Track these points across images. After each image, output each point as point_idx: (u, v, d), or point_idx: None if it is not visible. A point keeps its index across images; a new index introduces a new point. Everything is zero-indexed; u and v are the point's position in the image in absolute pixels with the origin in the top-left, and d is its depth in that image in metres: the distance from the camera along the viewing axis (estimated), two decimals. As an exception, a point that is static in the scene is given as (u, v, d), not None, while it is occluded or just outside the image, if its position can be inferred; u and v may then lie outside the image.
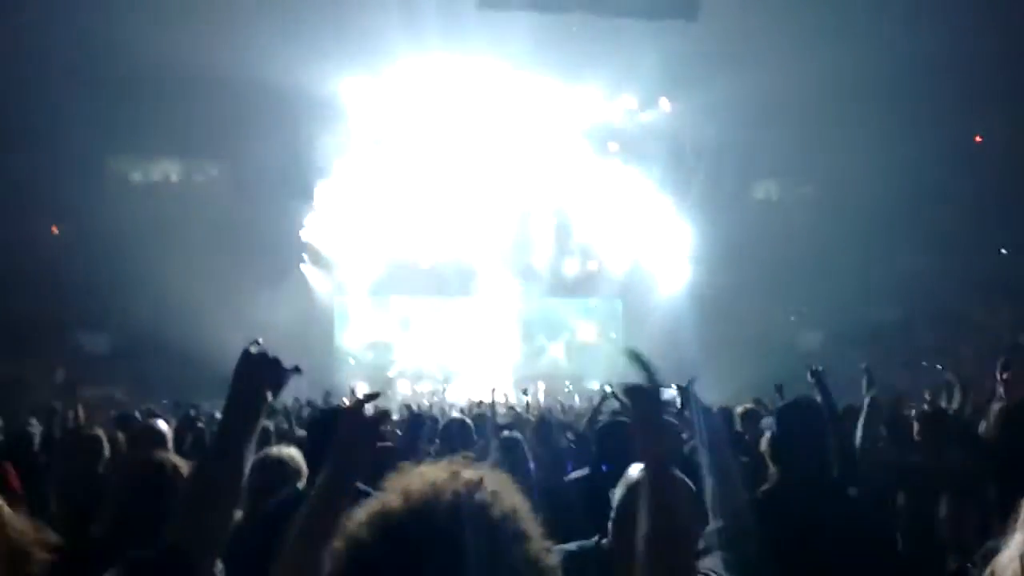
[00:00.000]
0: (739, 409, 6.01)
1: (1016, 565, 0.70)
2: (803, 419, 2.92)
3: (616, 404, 5.76)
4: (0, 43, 19.52)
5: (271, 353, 1.47)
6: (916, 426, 4.59)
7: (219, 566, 2.49)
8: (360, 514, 0.84)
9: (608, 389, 6.31)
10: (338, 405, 2.76)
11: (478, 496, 0.82)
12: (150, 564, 1.15)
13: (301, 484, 3.06)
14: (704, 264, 25.35)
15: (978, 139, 26.95)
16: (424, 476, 0.86)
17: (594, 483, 3.56)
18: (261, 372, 1.43)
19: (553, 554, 0.82)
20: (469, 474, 0.86)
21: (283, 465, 3.26)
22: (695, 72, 22.72)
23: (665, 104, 25.40)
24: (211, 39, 19.22)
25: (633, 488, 1.90)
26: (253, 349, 1.47)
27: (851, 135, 23.41)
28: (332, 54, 21.41)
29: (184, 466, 2.71)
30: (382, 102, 23.75)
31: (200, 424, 5.54)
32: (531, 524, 0.83)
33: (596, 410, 5.65)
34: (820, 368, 4.26)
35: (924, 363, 20.39)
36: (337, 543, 0.83)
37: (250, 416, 1.44)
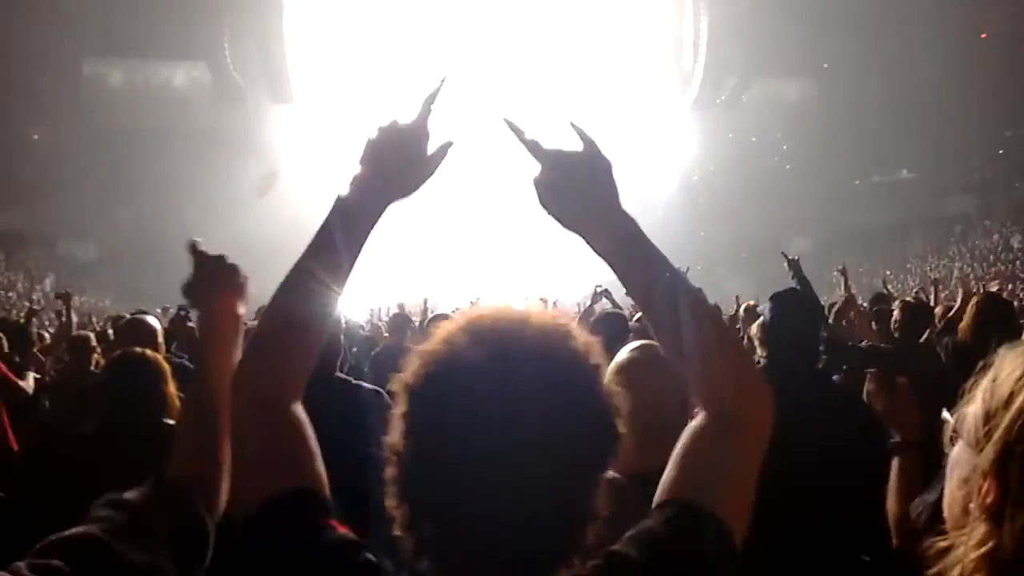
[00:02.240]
0: (743, 305, 6.00)
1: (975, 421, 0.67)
2: (796, 305, 2.89)
3: (607, 303, 5.79)
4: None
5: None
6: (896, 314, 4.65)
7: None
8: (450, 323, 0.84)
9: (600, 289, 6.31)
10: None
11: (563, 328, 0.82)
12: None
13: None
14: (699, 165, 25.16)
15: (983, 35, 26.28)
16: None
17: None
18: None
19: (620, 396, 0.82)
20: (554, 315, 0.87)
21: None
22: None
23: None
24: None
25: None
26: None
27: (853, 29, 22.79)
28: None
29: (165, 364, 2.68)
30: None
31: (190, 324, 5.50)
32: (605, 365, 0.83)
33: (589, 308, 5.63)
34: (796, 258, 4.27)
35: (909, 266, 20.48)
36: (426, 347, 0.82)
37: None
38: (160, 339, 3.89)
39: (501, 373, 0.78)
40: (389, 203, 1.08)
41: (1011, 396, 0.72)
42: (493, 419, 0.77)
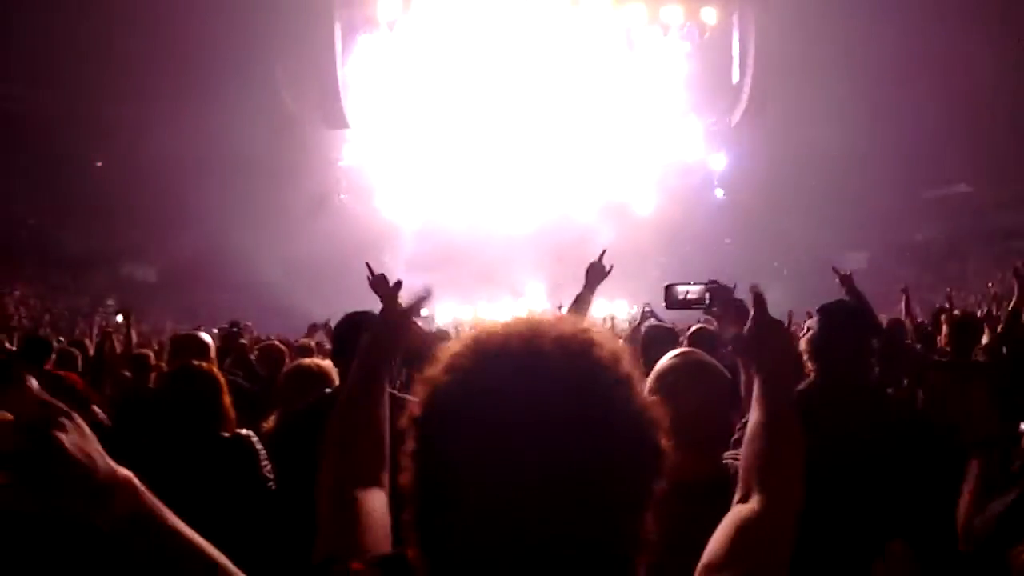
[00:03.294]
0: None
1: None
2: (845, 317, 2.83)
3: (653, 321, 5.76)
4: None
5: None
6: (944, 329, 4.62)
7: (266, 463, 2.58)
8: (457, 342, 0.78)
9: (647, 309, 6.27)
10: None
11: (584, 335, 0.75)
12: None
13: (330, 389, 3.10)
14: (748, 180, 24.87)
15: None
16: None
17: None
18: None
19: (659, 406, 0.76)
20: (578, 320, 0.80)
21: (313, 373, 3.31)
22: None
23: (710, 16, 24.39)
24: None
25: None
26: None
27: (909, 43, 22.34)
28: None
29: (221, 377, 2.75)
30: (413, 24, 23.34)
31: (243, 340, 5.64)
32: (638, 373, 0.77)
33: (637, 327, 5.59)
34: (848, 272, 4.21)
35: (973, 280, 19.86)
36: (432, 370, 0.76)
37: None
38: (213, 354, 4.01)
39: (519, 400, 0.70)
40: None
41: None
42: (513, 455, 0.69)
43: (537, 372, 0.72)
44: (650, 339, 4.01)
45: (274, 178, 21.83)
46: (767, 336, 1.28)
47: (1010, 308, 4.76)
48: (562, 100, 24.04)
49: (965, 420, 1.95)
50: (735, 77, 25.39)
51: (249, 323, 9.51)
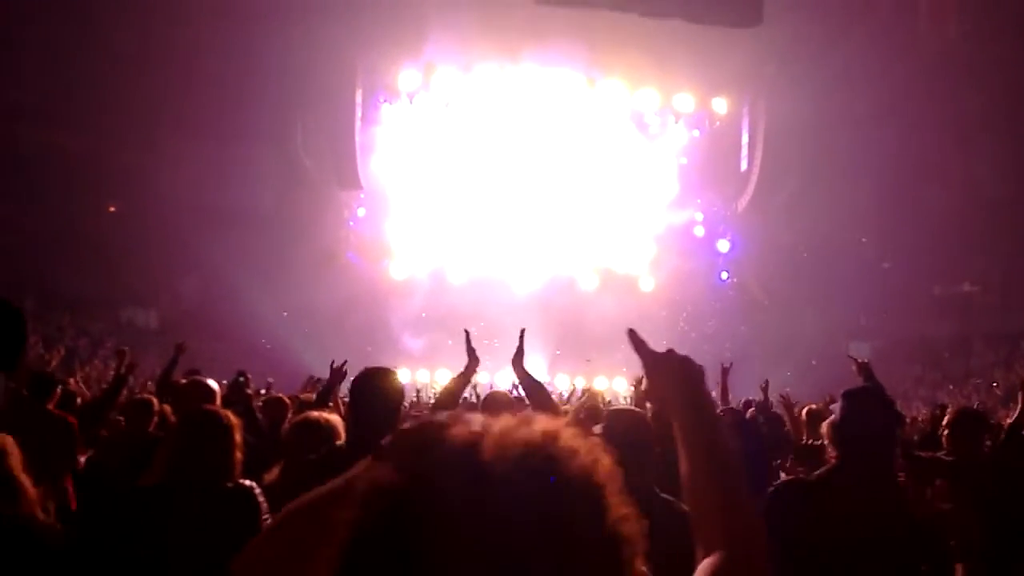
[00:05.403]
0: (805, 408, 5.85)
1: None
2: (871, 404, 2.80)
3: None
4: (60, 29, 20.11)
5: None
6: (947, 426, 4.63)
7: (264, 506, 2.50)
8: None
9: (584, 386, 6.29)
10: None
11: (552, 447, 0.66)
12: None
13: (339, 443, 3.05)
14: (753, 266, 25.05)
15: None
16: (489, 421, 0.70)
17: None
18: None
19: (635, 523, 0.68)
20: (544, 423, 0.70)
21: (321, 426, 3.29)
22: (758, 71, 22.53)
23: (721, 105, 25.05)
24: (264, 25, 19.62)
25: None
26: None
27: (921, 142, 22.84)
28: (384, 44, 21.77)
29: (236, 420, 2.71)
30: (433, 97, 23.98)
31: (248, 391, 5.56)
32: (613, 485, 0.68)
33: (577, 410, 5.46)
34: (865, 360, 4.20)
35: (978, 380, 19.82)
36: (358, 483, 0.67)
37: None
38: (218, 402, 3.95)
39: (478, 507, 0.62)
40: None
41: None
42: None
43: (502, 478, 0.64)
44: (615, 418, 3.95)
45: (284, 232, 22.01)
46: (663, 377, 1.21)
47: (1011, 423, 4.76)
48: (572, 176, 24.51)
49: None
50: (743, 165, 25.89)
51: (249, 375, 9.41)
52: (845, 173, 23.50)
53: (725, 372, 5.84)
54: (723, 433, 1.14)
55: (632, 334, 1.28)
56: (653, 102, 24.53)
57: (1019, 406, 4.71)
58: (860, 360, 4.15)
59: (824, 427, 2.93)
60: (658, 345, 1.36)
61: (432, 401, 7.52)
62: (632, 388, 5.99)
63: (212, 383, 4.09)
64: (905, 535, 2.79)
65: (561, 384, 17.77)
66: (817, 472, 2.98)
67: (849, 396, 2.80)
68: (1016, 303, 24.40)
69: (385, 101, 24.15)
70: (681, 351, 1.34)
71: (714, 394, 5.61)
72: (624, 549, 0.67)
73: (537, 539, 0.62)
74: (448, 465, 0.65)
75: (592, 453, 0.69)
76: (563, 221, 24.33)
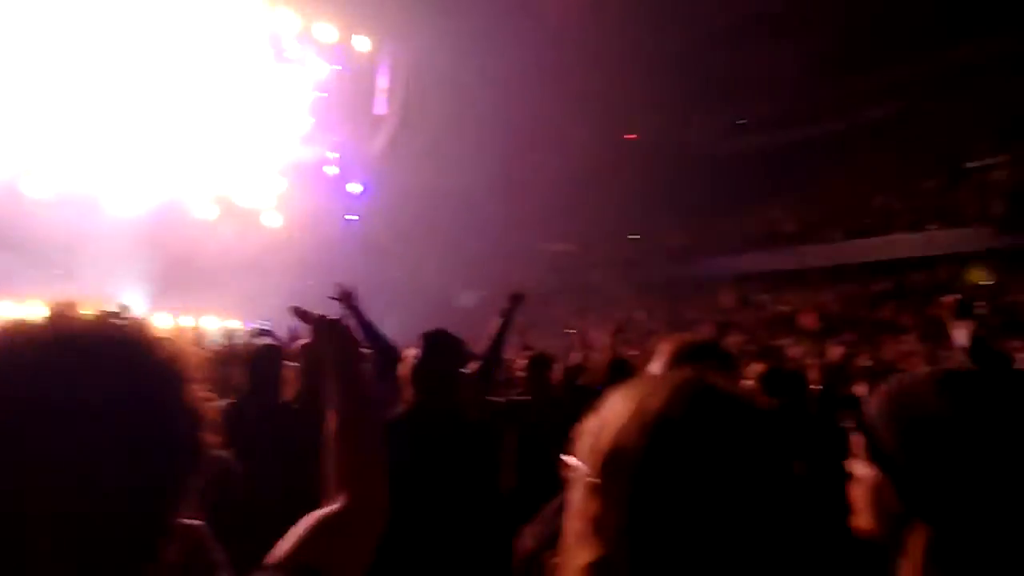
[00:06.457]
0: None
1: None
2: (442, 344, 3.00)
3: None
4: None
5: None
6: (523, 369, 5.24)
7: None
8: None
9: (262, 326, 6.03)
10: None
11: (133, 330, 0.78)
12: None
13: None
14: (381, 211, 25.65)
15: (631, 138, 30.82)
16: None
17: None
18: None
19: (213, 405, 0.81)
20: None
21: None
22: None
23: (362, 43, 24.79)
24: None
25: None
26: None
27: (536, 112, 25.27)
28: None
29: None
30: None
31: None
32: (193, 370, 0.80)
33: (244, 343, 5.30)
34: (350, 291, 4.30)
35: (567, 330, 22.82)
36: None
37: None
38: None
39: (64, 357, 0.72)
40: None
41: (610, 420, 0.83)
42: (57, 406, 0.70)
43: (86, 341, 0.74)
44: (258, 355, 3.84)
45: None
46: (324, 337, 1.32)
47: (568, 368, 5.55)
48: (191, 88, 21.73)
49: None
50: (381, 108, 26.18)
51: None
52: (476, 129, 25.07)
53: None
54: (368, 399, 1.28)
55: (296, 310, 1.41)
56: (292, 26, 23.33)
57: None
58: (343, 290, 4.28)
59: (401, 368, 3.07)
60: (279, 285, 1.41)
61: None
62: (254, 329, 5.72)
63: None
64: (474, 467, 3.05)
65: (163, 322, 15.70)
66: (396, 411, 3.12)
67: (425, 337, 2.97)
68: (595, 260, 28.78)
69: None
70: (303, 293, 1.41)
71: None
72: (197, 423, 0.78)
73: (117, 383, 0.73)
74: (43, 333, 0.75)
75: (178, 348, 0.80)
76: (177, 139, 21.63)
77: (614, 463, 0.79)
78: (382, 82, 25.98)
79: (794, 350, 16.42)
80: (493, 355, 4.26)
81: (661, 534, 0.75)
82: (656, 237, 29.42)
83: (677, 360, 1.98)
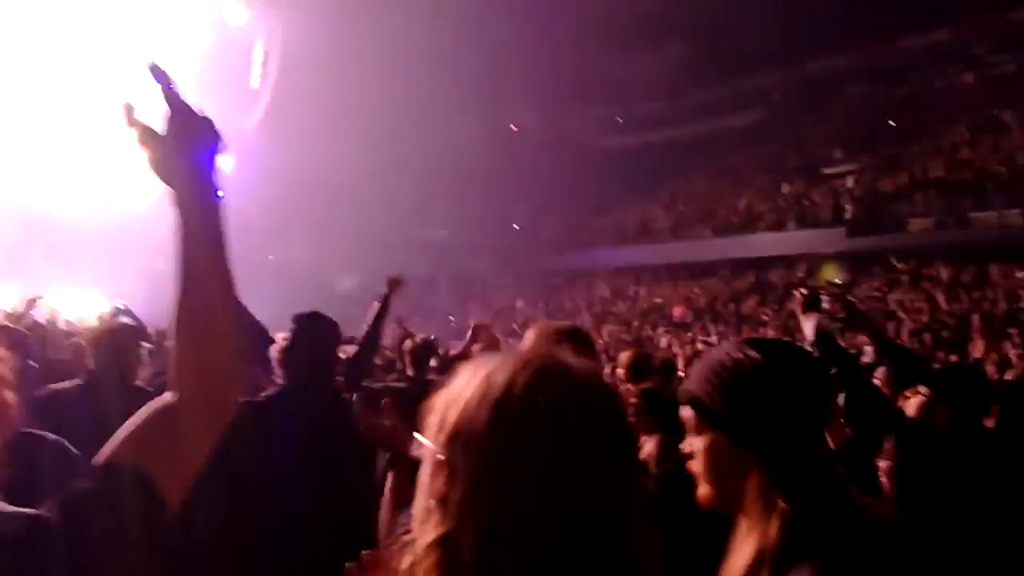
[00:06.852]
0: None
1: None
2: (318, 329, 2.94)
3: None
4: None
5: None
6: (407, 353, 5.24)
7: None
8: None
9: (121, 305, 5.69)
10: None
11: None
12: None
13: None
14: (255, 191, 24.69)
15: (513, 128, 31.11)
16: None
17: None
18: None
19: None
20: None
21: None
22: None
23: (238, 13, 23.66)
24: None
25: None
26: None
27: (411, 101, 25.00)
28: None
29: None
30: None
31: None
32: None
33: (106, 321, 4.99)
34: (397, 278, 4.30)
35: (448, 316, 22.82)
36: None
37: None
38: None
39: None
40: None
41: (457, 396, 0.82)
42: None
43: None
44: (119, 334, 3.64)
45: None
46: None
47: (455, 354, 5.63)
48: (63, 55, 20.06)
49: (378, 437, 2.17)
50: (254, 82, 25.12)
51: None
52: (353, 109, 24.55)
53: None
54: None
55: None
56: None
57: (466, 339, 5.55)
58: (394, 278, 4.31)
59: (272, 351, 2.98)
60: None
61: None
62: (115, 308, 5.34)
63: None
64: (346, 451, 2.99)
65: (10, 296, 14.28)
66: (265, 393, 3.02)
67: (298, 320, 2.90)
68: (476, 248, 28.90)
69: None
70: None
71: None
72: None
73: None
74: None
75: None
76: (40, 106, 19.86)
77: (460, 438, 0.79)
78: (257, 55, 24.92)
79: (664, 340, 17.15)
80: (370, 340, 4.21)
81: (503, 508, 0.75)
82: (537, 228, 29.90)
83: (540, 342, 2.03)
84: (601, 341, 18.06)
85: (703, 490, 1.27)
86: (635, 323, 21.39)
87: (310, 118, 24.20)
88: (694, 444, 1.27)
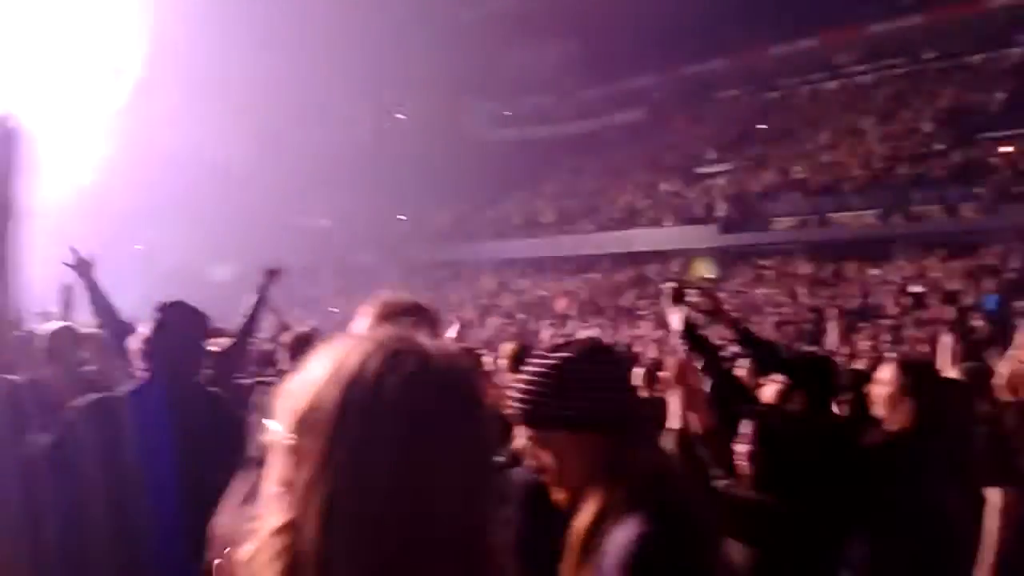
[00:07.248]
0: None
1: None
2: (182, 316, 2.81)
3: None
4: None
5: None
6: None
7: None
8: None
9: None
10: None
11: None
12: None
13: None
14: (127, 175, 23.32)
15: (400, 117, 30.74)
16: None
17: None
18: None
19: None
20: None
21: None
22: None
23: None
24: None
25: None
26: None
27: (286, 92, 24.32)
28: None
29: None
30: None
31: None
32: None
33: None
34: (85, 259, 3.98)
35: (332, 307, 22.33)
36: None
37: None
38: None
39: None
40: None
41: (307, 379, 0.80)
42: None
43: None
44: None
45: None
46: None
47: None
48: None
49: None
50: (123, 62, 23.69)
51: None
52: (230, 90, 23.59)
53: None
54: None
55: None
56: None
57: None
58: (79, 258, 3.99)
59: (132, 342, 2.82)
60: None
61: None
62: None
63: None
64: (211, 447, 2.87)
65: None
66: (126, 387, 2.86)
67: (161, 308, 2.76)
68: (360, 239, 28.41)
69: None
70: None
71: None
72: None
73: None
74: None
75: None
76: None
77: (309, 421, 0.77)
78: (127, 31, 23.48)
79: (546, 332, 17.45)
80: (246, 332, 4.04)
81: (349, 489, 0.74)
82: (422, 219, 29.68)
83: (381, 320, 1.98)
84: (486, 334, 18.19)
85: (558, 493, 1.39)
86: (520, 316, 21.66)
87: (183, 98, 23.05)
88: (541, 456, 1.39)
